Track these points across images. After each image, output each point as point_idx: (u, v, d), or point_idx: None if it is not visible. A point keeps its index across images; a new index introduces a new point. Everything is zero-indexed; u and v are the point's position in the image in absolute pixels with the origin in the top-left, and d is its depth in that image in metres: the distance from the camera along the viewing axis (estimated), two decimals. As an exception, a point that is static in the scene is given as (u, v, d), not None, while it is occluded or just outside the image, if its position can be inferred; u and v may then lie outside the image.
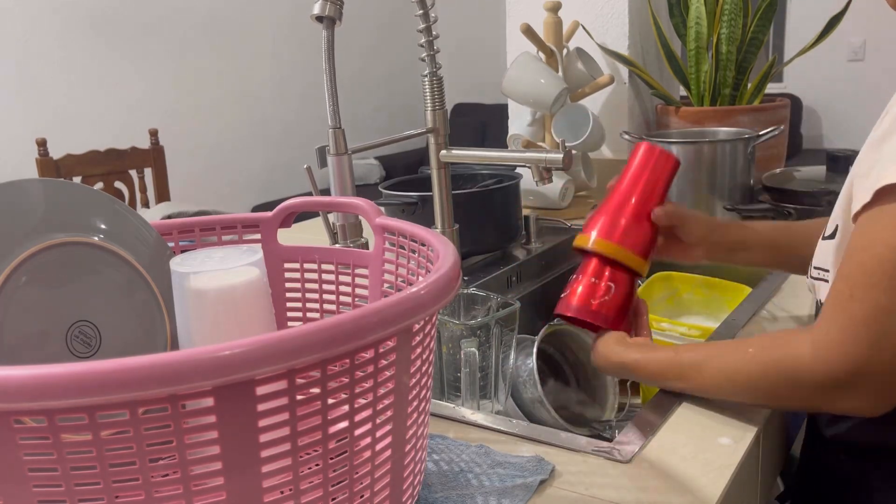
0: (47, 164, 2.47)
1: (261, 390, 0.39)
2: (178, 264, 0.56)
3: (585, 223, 0.84)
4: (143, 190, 2.76)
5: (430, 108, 1.02)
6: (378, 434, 0.47)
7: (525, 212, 1.31)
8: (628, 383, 0.93)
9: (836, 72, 4.12)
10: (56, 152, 2.51)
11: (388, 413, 0.47)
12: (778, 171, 1.50)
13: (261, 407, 0.39)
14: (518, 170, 1.31)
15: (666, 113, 1.63)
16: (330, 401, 0.43)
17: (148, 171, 2.77)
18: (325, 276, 0.72)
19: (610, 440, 0.68)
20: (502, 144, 1.62)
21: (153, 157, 2.77)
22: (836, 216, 0.73)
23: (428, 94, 1.01)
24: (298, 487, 0.43)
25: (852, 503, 0.77)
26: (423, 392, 0.52)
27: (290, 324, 0.74)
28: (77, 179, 2.42)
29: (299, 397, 0.41)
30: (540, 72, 1.49)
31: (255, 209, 3.79)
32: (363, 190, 1.46)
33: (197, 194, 3.54)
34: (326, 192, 0.87)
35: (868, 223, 0.62)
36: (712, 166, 1.35)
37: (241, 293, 0.55)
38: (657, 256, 0.88)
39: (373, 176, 4.30)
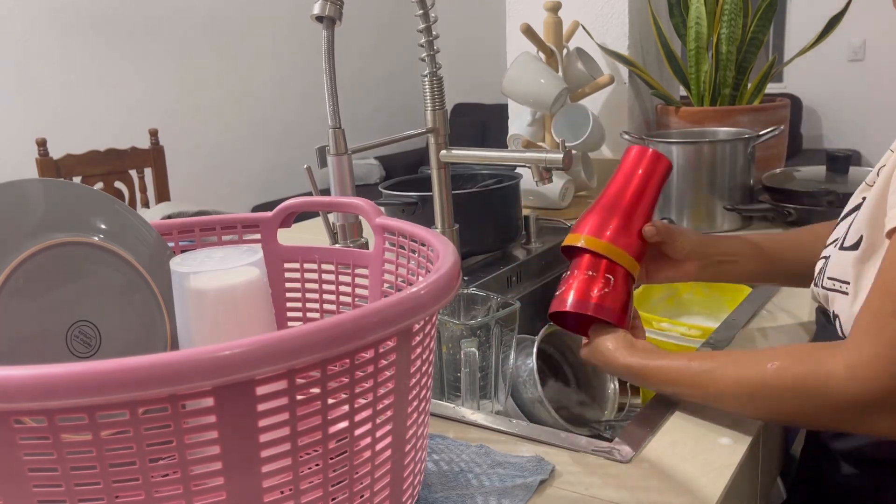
0: (47, 164, 2.47)
1: (261, 390, 0.39)
2: (178, 264, 0.56)
3: (574, 225, 0.82)
4: (143, 190, 2.76)
5: (430, 108, 1.02)
6: (378, 434, 0.47)
7: (525, 212, 1.31)
8: (628, 383, 0.93)
9: (836, 72, 4.12)
10: (56, 152, 2.51)
11: (388, 413, 0.47)
12: (778, 171, 1.50)
13: (261, 407, 0.39)
14: (518, 170, 1.31)
15: (666, 113, 1.63)
16: (330, 401, 0.43)
17: (148, 171, 2.77)
18: (325, 276, 0.72)
19: (610, 440, 0.68)
20: (502, 144, 1.62)
21: (153, 157, 2.77)
22: (861, 227, 0.70)
23: (428, 94, 1.01)
24: (298, 487, 0.43)
25: None
26: (423, 392, 0.52)
27: (290, 324, 0.74)
28: (77, 179, 2.42)
29: (299, 397, 0.41)
30: (540, 72, 1.49)
31: (255, 209, 3.79)
32: (363, 190, 1.46)
33: (197, 194, 3.54)
34: (326, 192, 0.87)
35: None
36: (712, 166, 1.35)
37: (241, 293, 0.55)
38: (649, 281, 0.87)
39: (373, 176, 4.30)
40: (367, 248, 0.80)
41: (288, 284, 0.73)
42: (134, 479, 0.38)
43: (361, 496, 0.47)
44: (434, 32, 0.98)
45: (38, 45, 3.09)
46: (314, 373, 0.41)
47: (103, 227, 0.61)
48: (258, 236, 0.73)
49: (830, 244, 0.78)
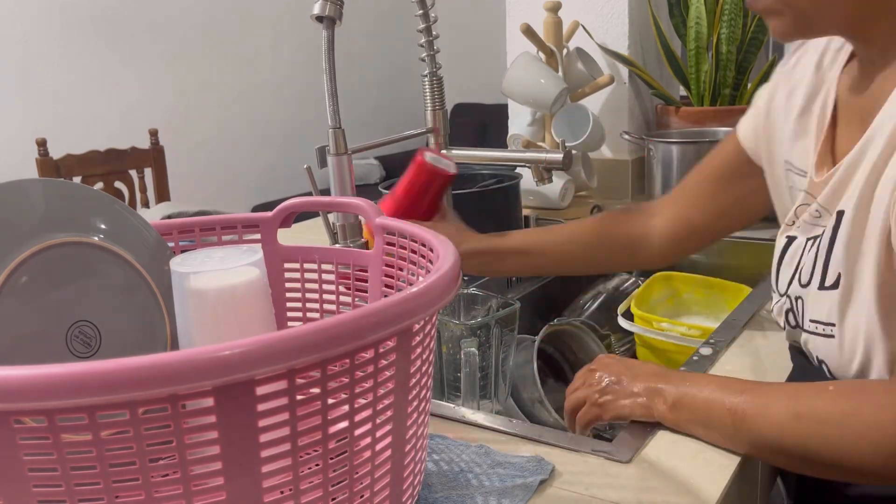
0: (47, 164, 2.47)
1: (261, 390, 0.39)
2: (178, 264, 0.56)
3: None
4: (143, 190, 2.76)
5: (430, 108, 1.02)
6: (378, 434, 0.47)
7: (525, 212, 1.31)
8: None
9: (836, 72, 4.11)
10: (56, 152, 2.51)
11: (388, 413, 0.47)
12: (778, 171, 1.49)
13: (261, 407, 0.39)
14: (518, 170, 1.31)
15: (666, 113, 1.63)
16: (330, 401, 0.43)
17: (148, 171, 2.77)
18: (324, 276, 0.72)
19: (610, 440, 0.68)
20: (502, 144, 1.62)
21: (153, 157, 2.77)
22: (838, 264, 0.66)
23: (428, 94, 1.01)
24: (298, 487, 0.43)
25: None
26: (423, 392, 0.52)
27: (290, 324, 0.74)
28: (77, 179, 2.42)
29: (299, 397, 0.41)
30: (540, 72, 1.49)
31: (255, 209, 3.79)
32: (363, 190, 1.46)
33: (197, 194, 3.54)
34: (326, 192, 0.87)
35: None
36: (712, 166, 1.35)
37: (241, 293, 0.55)
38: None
39: (373, 176, 4.30)
40: (367, 248, 0.80)
41: (288, 284, 0.73)
42: (134, 479, 0.38)
43: (361, 496, 0.47)
44: (434, 32, 0.98)
45: (38, 45, 3.09)
46: (314, 373, 0.41)
47: (103, 227, 0.61)
48: (258, 236, 0.73)
49: (791, 281, 0.73)
